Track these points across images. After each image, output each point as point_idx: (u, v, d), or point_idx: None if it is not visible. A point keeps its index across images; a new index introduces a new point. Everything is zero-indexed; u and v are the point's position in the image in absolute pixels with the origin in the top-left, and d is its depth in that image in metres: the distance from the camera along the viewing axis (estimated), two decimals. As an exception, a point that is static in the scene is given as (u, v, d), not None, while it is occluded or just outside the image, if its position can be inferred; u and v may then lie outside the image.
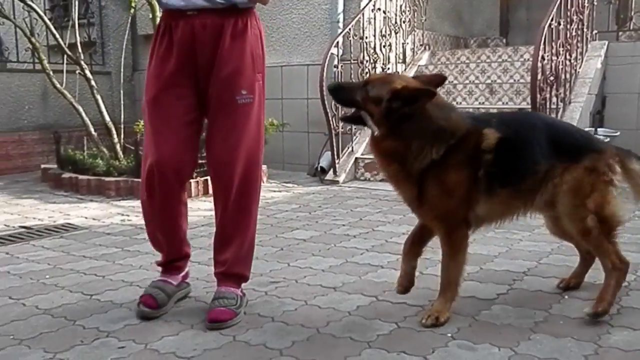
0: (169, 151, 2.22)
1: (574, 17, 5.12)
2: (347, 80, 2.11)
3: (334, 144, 5.48)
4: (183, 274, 2.48)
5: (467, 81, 6.10)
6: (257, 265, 2.97)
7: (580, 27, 5.29)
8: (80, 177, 5.12)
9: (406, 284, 2.33)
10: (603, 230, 2.19)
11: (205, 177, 4.76)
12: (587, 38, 5.53)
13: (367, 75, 5.40)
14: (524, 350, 1.94)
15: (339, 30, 5.85)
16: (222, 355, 1.96)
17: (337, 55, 5.63)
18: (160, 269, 2.46)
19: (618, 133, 4.91)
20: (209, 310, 2.23)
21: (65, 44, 5.77)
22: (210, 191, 2.43)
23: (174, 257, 2.43)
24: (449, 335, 2.05)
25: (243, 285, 2.40)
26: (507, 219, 2.32)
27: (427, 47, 6.84)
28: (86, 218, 4.11)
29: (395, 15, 6.24)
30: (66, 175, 5.29)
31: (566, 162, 2.17)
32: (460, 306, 2.25)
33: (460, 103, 5.85)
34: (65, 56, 5.83)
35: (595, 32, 5.76)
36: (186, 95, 2.24)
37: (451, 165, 2.10)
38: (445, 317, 2.14)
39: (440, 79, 2.25)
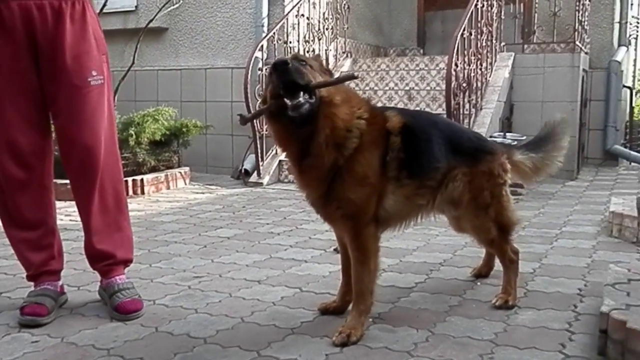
0: (26, 140, 2.15)
1: (484, 29, 5.45)
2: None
3: (258, 147, 5.50)
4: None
5: (387, 87, 6.32)
6: (179, 261, 2.96)
7: (489, 38, 5.62)
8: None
9: (330, 308, 2.23)
10: (502, 235, 2.32)
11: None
12: (495, 49, 5.88)
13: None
14: (441, 331, 2.04)
15: (264, 34, 5.89)
16: (143, 345, 1.93)
17: (262, 59, 5.67)
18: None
19: (525, 138, 5.23)
20: (117, 305, 2.18)
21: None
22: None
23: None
24: (371, 319, 2.11)
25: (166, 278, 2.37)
26: (412, 218, 2.24)
27: (349, 55, 7.01)
28: (-6, 219, 3.88)
29: (319, 22, 6.37)
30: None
31: (465, 166, 2.18)
32: (380, 294, 2.32)
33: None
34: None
35: (503, 44, 6.14)
36: (31, 83, 2.14)
37: (365, 144, 1.96)
38: (359, 335, 1.94)
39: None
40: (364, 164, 1.96)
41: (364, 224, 2.00)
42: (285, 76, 1.82)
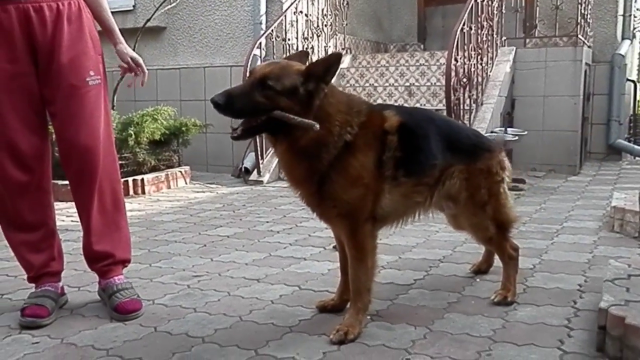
0: (26, 142, 2.14)
1: (484, 23, 5.42)
2: (229, 88, 1.93)
3: (258, 145, 5.49)
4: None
5: (387, 84, 6.30)
6: (179, 261, 2.96)
7: (490, 33, 5.60)
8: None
9: (328, 306, 2.23)
10: (501, 232, 2.30)
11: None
12: (496, 44, 5.85)
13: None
14: (439, 328, 2.04)
15: (262, 32, 5.88)
16: (142, 345, 1.94)
17: (260, 57, 5.66)
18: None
19: (526, 132, 5.23)
20: (116, 305, 2.19)
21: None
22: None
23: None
24: (368, 317, 2.11)
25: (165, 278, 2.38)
26: (410, 216, 2.22)
27: (348, 51, 7.00)
28: (-4, 220, 3.89)
29: (317, 18, 6.35)
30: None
31: (462, 163, 2.17)
32: (379, 291, 2.32)
33: (381, 105, 6.02)
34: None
35: (504, 38, 6.11)
36: (30, 85, 2.13)
37: (359, 146, 1.93)
38: (356, 333, 1.95)
39: (304, 54, 2.17)
40: (357, 166, 1.94)
41: (360, 223, 1.99)
42: (229, 109, 1.84)
